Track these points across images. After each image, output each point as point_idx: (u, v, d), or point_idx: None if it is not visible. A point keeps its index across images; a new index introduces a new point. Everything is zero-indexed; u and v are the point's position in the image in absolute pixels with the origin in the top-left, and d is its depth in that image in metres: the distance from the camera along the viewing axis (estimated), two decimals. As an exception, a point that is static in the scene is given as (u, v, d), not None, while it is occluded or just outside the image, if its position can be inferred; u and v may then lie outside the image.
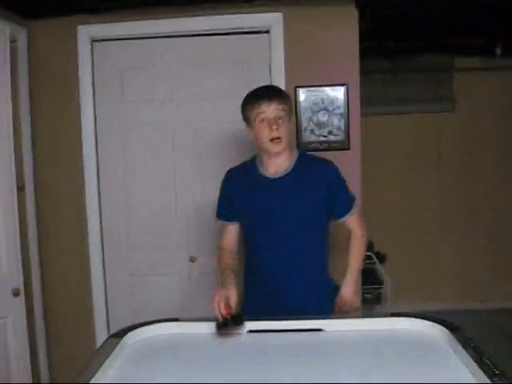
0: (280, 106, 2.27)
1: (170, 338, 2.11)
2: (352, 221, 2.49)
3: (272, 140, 2.27)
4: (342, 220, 2.46)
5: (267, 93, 2.32)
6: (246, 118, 2.36)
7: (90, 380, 1.65)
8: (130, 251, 3.46)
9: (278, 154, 2.32)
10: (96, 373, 1.71)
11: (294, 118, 3.02)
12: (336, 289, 2.52)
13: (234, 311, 2.06)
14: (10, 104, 2.85)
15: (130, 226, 3.44)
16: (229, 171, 2.55)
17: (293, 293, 2.40)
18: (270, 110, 2.26)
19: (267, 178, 2.39)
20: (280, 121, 2.27)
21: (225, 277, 2.34)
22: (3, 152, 2.81)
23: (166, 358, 1.94)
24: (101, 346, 2.02)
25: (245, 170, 2.49)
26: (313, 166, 2.39)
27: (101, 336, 3.38)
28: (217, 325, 2.04)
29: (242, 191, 2.44)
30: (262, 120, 2.28)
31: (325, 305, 2.44)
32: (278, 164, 2.37)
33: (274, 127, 2.25)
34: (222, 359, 1.92)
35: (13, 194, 2.87)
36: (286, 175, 2.37)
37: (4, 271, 2.82)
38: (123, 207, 3.42)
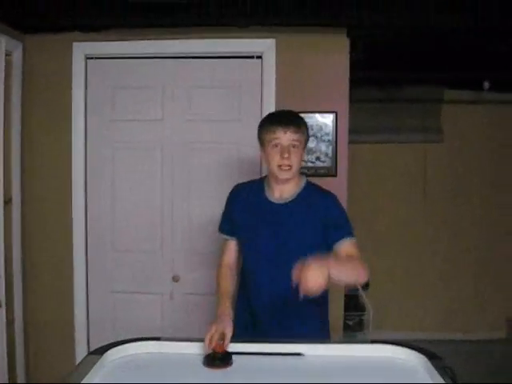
0: (295, 136, 2.25)
1: (150, 356, 2.10)
2: (350, 247, 2.28)
3: (280, 167, 2.25)
4: (338, 244, 2.26)
5: (285, 119, 2.29)
6: (261, 140, 2.34)
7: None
8: (114, 268, 3.45)
9: (285, 180, 2.31)
10: (75, 388, 1.72)
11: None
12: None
13: (224, 349, 2.04)
14: (2, 117, 2.86)
15: (115, 243, 3.44)
16: (236, 186, 2.54)
17: (280, 326, 2.35)
18: (284, 137, 2.24)
19: (270, 202, 2.37)
20: (293, 149, 2.24)
21: (222, 305, 2.34)
22: None
23: (145, 377, 1.93)
24: (80, 363, 2.02)
25: (250, 188, 2.48)
26: (315, 196, 2.34)
27: (81, 352, 3.37)
28: (205, 358, 2.03)
29: (243, 209, 2.43)
30: (275, 146, 2.25)
31: None
32: (283, 190, 2.35)
33: (286, 155, 2.22)
34: (201, 380, 1.92)
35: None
36: (290, 202, 2.34)
37: None
38: (109, 224, 3.42)
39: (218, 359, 2.01)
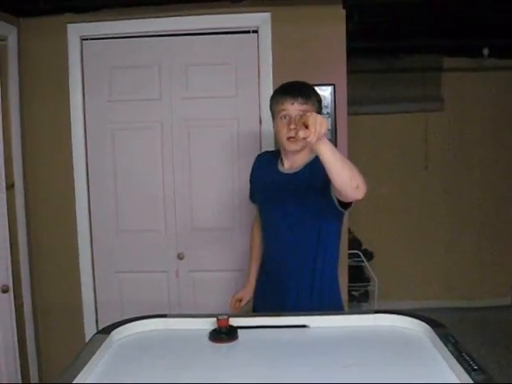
0: (304, 106, 2.24)
1: (157, 334, 2.13)
2: None
3: (288, 139, 2.26)
4: None
5: (293, 90, 2.29)
6: (271, 112, 2.38)
7: (76, 376, 1.67)
8: (119, 249, 3.48)
9: (294, 152, 2.33)
10: (82, 369, 1.73)
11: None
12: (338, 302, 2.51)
13: (228, 323, 2.05)
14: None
15: (118, 223, 3.46)
16: (258, 156, 2.66)
17: (287, 286, 2.42)
18: (292, 107, 2.25)
19: (279, 172, 2.42)
20: None
21: (248, 270, 2.69)
22: None
23: (153, 354, 1.96)
24: (88, 342, 2.05)
25: (268, 158, 2.56)
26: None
27: (90, 332, 3.39)
28: (210, 333, 2.05)
29: (258, 178, 2.55)
30: (284, 117, 2.27)
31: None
32: (294, 160, 2.38)
33: (293, 127, 2.20)
34: (208, 355, 1.95)
35: (2, 192, 2.90)
36: (297, 172, 2.37)
37: None
38: (112, 205, 3.44)
39: (223, 333, 2.04)
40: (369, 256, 4.98)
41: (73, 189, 3.42)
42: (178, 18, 3.28)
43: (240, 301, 2.65)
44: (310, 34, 3.26)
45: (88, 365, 1.77)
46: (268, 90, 3.22)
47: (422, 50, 4.84)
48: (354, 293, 4.74)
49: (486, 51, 4.52)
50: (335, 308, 2.44)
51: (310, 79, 3.20)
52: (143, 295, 3.44)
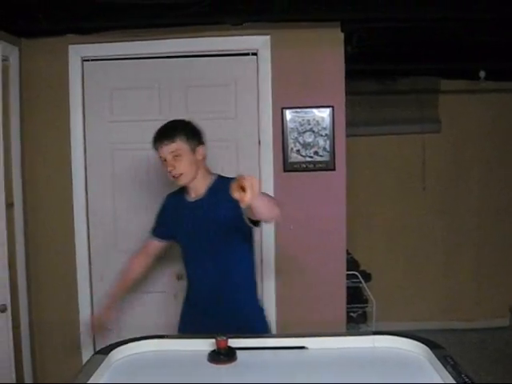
0: (171, 146, 2.43)
1: (155, 354, 2.13)
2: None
3: (173, 177, 2.46)
4: None
5: (158, 135, 2.50)
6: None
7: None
8: (118, 269, 3.47)
9: (186, 185, 2.53)
10: (82, 387, 1.74)
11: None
12: (261, 310, 2.63)
13: (227, 345, 2.06)
14: (0, 121, 2.89)
15: (117, 243, 3.46)
16: (166, 195, 2.79)
17: (216, 309, 2.52)
18: (163, 152, 2.45)
19: (187, 201, 2.58)
20: (177, 157, 2.43)
21: (114, 292, 2.80)
22: None
23: (152, 375, 1.96)
24: (86, 363, 2.04)
25: (176, 195, 2.69)
26: (224, 183, 2.28)
27: (87, 352, 3.39)
28: (209, 355, 2.06)
29: (171, 216, 2.68)
30: (164, 161, 2.47)
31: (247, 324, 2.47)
32: (196, 189, 2.54)
33: (170, 168, 2.44)
34: (207, 377, 1.94)
35: (2, 211, 2.90)
36: (202, 198, 2.53)
37: None
38: (111, 225, 3.44)
39: (222, 355, 2.03)
40: (366, 277, 4.96)
41: (71, 209, 3.43)
42: (178, 40, 3.32)
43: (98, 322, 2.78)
44: (309, 56, 3.30)
45: (88, 384, 1.77)
46: (267, 112, 3.27)
47: (419, 72, 4.89)
48: (351, 314, 4.71)
49: (482, 74, 4.56)
50: (256, 316, 2.58)
51: (309, 101, 3.28)
52: (141, 315, 3.44)
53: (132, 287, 2.95)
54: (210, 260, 2.52)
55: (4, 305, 2.78)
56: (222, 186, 2.37)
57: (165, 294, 3.44)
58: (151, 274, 3.42)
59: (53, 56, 3.38)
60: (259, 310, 2.63)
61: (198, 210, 2.50)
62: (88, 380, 1.81)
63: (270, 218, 2.23)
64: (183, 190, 2.62)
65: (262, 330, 2.53)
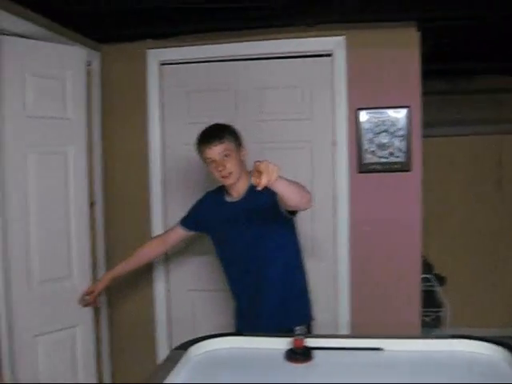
0: (221, 147, 2.51)
1: (233, 351, 2.17)
2: None
3: (222, 177, 2.53)
4: None
5: (206, 137, 2.57)
6: (201, 158, 2.62)
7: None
8: (191, 268, 3.56)
9: (233, 184, 2.58)
10: (163, 382, 1.79)
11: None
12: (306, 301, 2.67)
13: (304, 344, 2.08)
14: (85, 123, 3.03)
15: (193, 243, 3.53)
16: (206, 193, 2.88)
17: (262, 305, 2.61)
18: (212, 152, 2.51)
19: (228, 202, 2.66)
20: (226, 158, 2.51)
21: (116, 267, 2.98)
22: (81, 171, 3.01)
23: (229, 372, 2.00)
24: (166, 358, 2.10)
25: (214, 196, 2.78)
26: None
27: (162, 349, 3.50)
28: (286, 353, 2.08)
29: (208, 215, 2.75)
30: (211, 162, 2.53)
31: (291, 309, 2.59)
32: (237, 189, 2.61)
33: (220, 168, 2.50)
34: (284, 375, 1.96)
35: (86, 210, 3.05)
36: (243, 198, 2.60)
37: (75, 283, 2.97)
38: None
39: (299, 354, 2.05)
40: (441, 281, 4.88)
41: (149, 208, 3.54)
42: (253, 42, 3.36)
43: (91, 293, 2.93)
44: (384, 56, 3.27)
45: (167, 379, 1.82)
46: (342, 113, 3.26)
47: (495, 71, 4.75)
48: (425, 318, 4.64)
49: None
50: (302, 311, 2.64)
51: (385, 102, 3.24)
52: (214, 313, 3.49)
53: (135, 270, 3.09)
54: (249, 256, 2.59)
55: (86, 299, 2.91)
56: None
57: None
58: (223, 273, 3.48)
59: (132, 60, 3.49)
60: (304, 305, 2.67)
61: (239, 210, 2.56)
62: (168, 375, 1.86)
63: (299, 203, 2.27)
64: (222, 191, 2.70)
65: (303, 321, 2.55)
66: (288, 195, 2.20)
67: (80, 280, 2.99)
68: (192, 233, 2.91)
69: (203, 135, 2.61)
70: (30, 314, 2.76)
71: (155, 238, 3.10)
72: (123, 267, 2.98)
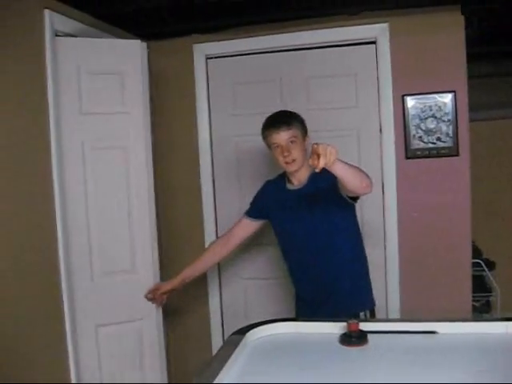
0: (289, 132, 2.55)
1: (289, 336, 2.22)
2: None
3: (286, 164, 2.57)
4: None
5: (275, 122, 2.60)
6: (266, 144, 2.67)
7: (218, 374, 1.78)
8: (244, 257, 3.64)
9: (295, 171, 2.61)
10: (224, 365, 1.85)
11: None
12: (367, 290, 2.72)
13: (359, 328, 2.11)
14: (149, 117, 3.05)
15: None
16: (265, 182, 2.93)
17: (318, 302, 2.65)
18: (280, 137, 2.55)
19: (288, 190, 2.70)
20: (292, 144, 2.55)
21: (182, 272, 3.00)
22: (142, 165, 3.02)
23: (286, 355, 2.06)
24: (225, 342, 2.18)
25: (275, 183, 2.83)
26: (324, 172, 2.24)
27: (216, 334, 3.63)
28: (341, 337, 2.12)
29: (270, 203, 2.79)
30: (277, 147, 2.57)
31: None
32: (299, 177, 2.64)
33: (286, 154, 2.54)
34: (339, 358, 2.01)
35: (148, 203, 3.05)
36: (305, 185, 2.64)
37: (139, 276, 3.00)
38: (236, 214, 3.57)
39: (353, 337, 2.10)
40: (490, 265, 4.83)
41: (200, 200, 3.64)
42: (297, 33, 3.40)
43: (157, 290, 2.98)
44: (429, 41, 3.27)
45: (229, 361, 1.89)
46: (388, 100, 3.28)
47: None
48: (474, 303, 4.61)
49: None
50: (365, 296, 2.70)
51: (430, 87, 3.24)
52: (265, 301, 3.57)
53: (202, 273, 3.17)
54: (312, 243, 2.62)
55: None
56: (321, 173, 2.38)
57: (285, 281, 3.52)
58: (275, 262, 3.53)
59: (179, 55, 3.58)
60: (366, 291, 2.73)
61: (301, 197, 2.59)
62: (228, 358, 1.93)
63: (359, 187, 2.29)
64: (283, 179, 2.74)
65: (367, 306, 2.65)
66: (347, 178, 2.22)
67: (144, 274, 3.00)
68: (258, 222, 2.90)
69: (271, 120, 2.65)
70: (91, 304, 2.84)
71: (219, 238, 3.13)
72: (191, 272, 3.02)
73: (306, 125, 2.68)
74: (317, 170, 2.05)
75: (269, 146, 2.63)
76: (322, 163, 2.00)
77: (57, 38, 2.70)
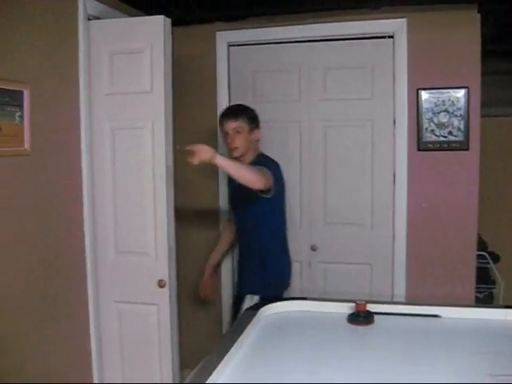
0: (235, 123, 2.96)
1: (299, 314, 2.37)
2: None
3: (230, 149, 2.97)
4: None
5: (226, 113, 3.05)
6: (219, 129, 3.11)
7: (232, 345, 1.91)
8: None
9: (238, 158, 2.95)
10: (239, 336, 2.00)
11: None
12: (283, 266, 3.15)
13: (366, 308, 2.25)
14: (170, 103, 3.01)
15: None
16: None
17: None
18: (227, 126, 2.98)
19: None
20: (236, 134, 2.96)
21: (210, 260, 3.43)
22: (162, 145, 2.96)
23: (297, 331, 2.22)
24: (240, 317, 2.32)
25: None
26: (259, 161, 2.93)
27: (226, 314, 3.75)
28: (349, 316, 2.26)
29: (231, 185, 3.25)
30: (226, 134, 3.00)
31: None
32: (242, 163, 2.88)
33: (229, 141, 2.98)
34: (347, 335, 2.16)
35: (167, 185, 2.98)
36: None
37: (156, 261, 2.93)
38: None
39: (361, 317, 2.23)
40: (495, 258, 4.92)
41: (217, 185, 3.76)
42: (316, 24, 3.48)
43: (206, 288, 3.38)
44: (445, 38, 3.34)
45: (244, 333, 2.05)
46: (403, 93, 3.36)
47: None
48: (477, 295, 4.70)
49: None
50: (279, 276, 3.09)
51: (444, 82, 3.32)
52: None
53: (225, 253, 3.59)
54: (243, 223, 3.11)
55: (163, 280, 2.89)
56: (256, 162, 2.93)
57: (299, 264, 3.64)
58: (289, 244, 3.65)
59: (202, 42, 3.69)
60: (282, 267, 3.12)
61: (239, 184, 2.79)
62: (243, 330, 2.07)
63: (245, 183, 2.61)
64: None
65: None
66: (234, 175, 2.59)
67: (161, 259, 2.93)
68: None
69: (225, 110, 3.11)
70: (111, 281, 2.97)
71: (229, 221, 3.47)
72: (217, 255, 3.44)
73: (257, 119, 3.06)
74: (194, 164, 2.42)
75: (221, 132, 3.06)
76: (195, 160, 2.41)
77: (88, 22, 2.82)
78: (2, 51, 2.24)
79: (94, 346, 2.94)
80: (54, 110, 2.61)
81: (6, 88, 2.25)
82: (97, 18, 2.91)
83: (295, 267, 3.56)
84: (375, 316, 2.25)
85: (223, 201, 3.75)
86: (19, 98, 2.33)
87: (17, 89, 2.31)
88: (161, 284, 2.88)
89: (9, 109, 2.27)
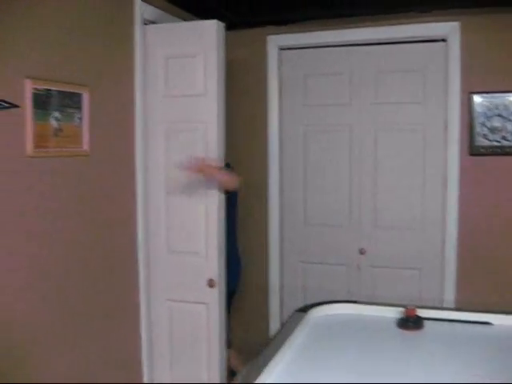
0: None
1: (348, 317, 2.38)
2: None
3: None
4: None
5: None
6: None
7: (282, 345, 1.95)
8: (305, 241, 3.78)
9: None
10: (288, 338, 2.02)
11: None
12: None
13: (416, 313, 2.25)
14: (222, 106, 3.02)
15: (306, 217, 3.76)
16: None
17: None
18: None
19: None
20: None
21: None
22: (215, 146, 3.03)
23: (346, 334, 2.21)
24: (289, 318, 2.34)
25: None
26: None
27: (274, 313, 3.79)
28: (399, 321, 2.26)
29: None
30: None
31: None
32: None
33: None
34: (396, 340, 2.15)
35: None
36: None
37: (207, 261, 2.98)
38: (301, 201, 3.76)
39: (411, 322, 2.23)
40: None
41: (267, 187, 3.79)
42: (368, 28, 3.49)
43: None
44: (498, 41, 3.29)
45: (292, 335, 2.07)
46: (455, 97, 3.33)
47: None
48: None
49: None
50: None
51: (498, 86, 3.27)
52: (324, 285, 3.69)
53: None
54: None
55: (212, 280, 2.91)
56: None
57: (347, 267, 3.66)
58: (335, 247, 3.66)
59: (253, 45, 3.74)
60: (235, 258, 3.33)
61: None
62: (292, 332, 2.09)
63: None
64: None
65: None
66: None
67: (212, 259, 2.95)
68: None
69: None
70: (163, 280, 3.03)
71: None
72: None
73: None
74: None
75: None
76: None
77: (144, 26, 2.90)
78: (63, 55, 2.34)
79: (145, 344, 3.01)
80: (110, 112, 2.70)
81: (67, 91, 2.34)
82: (152, 22, 2.99)
83: (341, 271, 3.58)
84: (425, 321, 2.24)
85: (273, 197, 3.79)
86: (78, 100, 2.42)
87: (76, 91, 2.40)
88: (211, 283, 2.91)
89: (69, 111, 2.36)
